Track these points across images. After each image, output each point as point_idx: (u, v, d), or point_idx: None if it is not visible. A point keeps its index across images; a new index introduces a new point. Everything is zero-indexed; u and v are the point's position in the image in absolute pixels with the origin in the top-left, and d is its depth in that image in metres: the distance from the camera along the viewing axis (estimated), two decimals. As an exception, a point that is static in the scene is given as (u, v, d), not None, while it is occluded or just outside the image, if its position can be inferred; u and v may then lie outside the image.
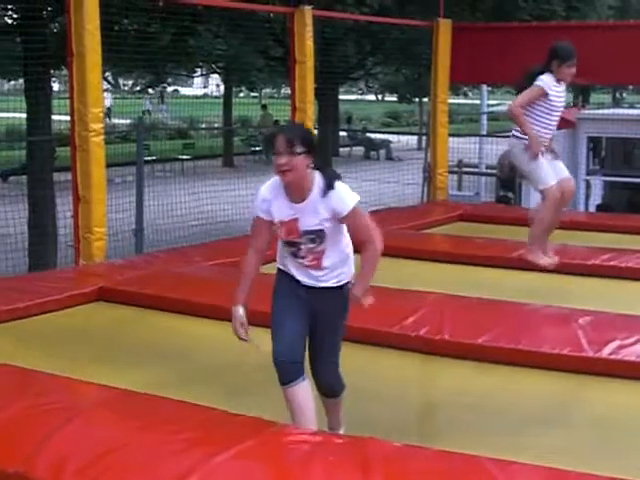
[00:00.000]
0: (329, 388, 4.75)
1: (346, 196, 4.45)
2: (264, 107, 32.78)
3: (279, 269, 4.71)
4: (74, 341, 6.25)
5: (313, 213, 4.45)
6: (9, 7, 14.04)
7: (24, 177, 14.78)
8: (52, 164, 14.04)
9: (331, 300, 4.61)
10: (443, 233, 10.68)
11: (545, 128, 7.73)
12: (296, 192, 4.46)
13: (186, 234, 13.10)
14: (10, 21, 14.42)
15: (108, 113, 32.54)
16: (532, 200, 13.56)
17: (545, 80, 7.57)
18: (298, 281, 4.61)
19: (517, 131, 7.78)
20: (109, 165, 9.40)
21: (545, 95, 7.58)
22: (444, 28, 12.61)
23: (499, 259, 8.68)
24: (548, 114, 7.68)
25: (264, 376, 5.37)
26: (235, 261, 8.31)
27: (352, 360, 5.89)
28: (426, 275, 8.31)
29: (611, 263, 8.37)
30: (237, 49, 16.81)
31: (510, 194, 15.33)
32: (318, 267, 4.57)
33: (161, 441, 4.21)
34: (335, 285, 4.60)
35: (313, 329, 4.61)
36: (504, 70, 12.75)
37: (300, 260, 4.58)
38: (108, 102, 35.83)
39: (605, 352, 5.71)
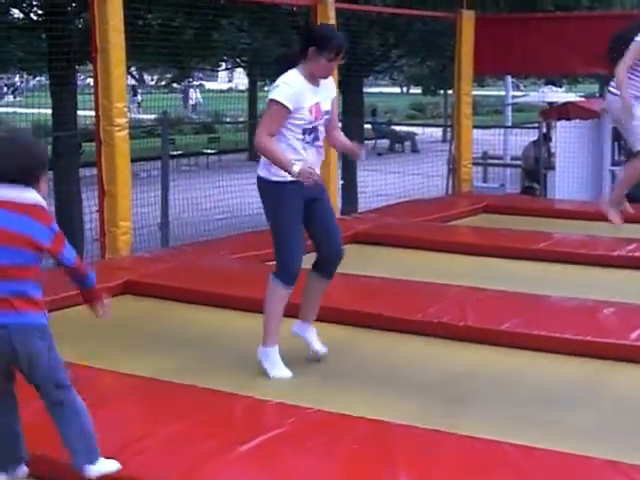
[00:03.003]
0: (340, 256, 5.50)
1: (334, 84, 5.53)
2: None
3: (276, 182, 5.24)
4: (100, 333, 6.28)
5: (326, 96, 5.32)
6: (34, 4, 14.12)
7: (50, 172, 14.87)
8: (78, 159, 14.12)
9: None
10: (468, 225, 10.67)
11: None
12: (316, 80, 5.28)
13: (211, 228, 13.13)
14: (35, 17, 14.49)
15: (138, 106, 32.79)
16: (557, 191, 13.54)
17: None
18: (297, 183, 5.12)
19: (613, 87, 7.89)
20: (135, 160, 9.45)
21: None
22: (467, 19, 12.58)
23: (524, 251, 8.66)
24: None
25: (286, 363, 5.43)
26: (260, 254, 8.37)
27: (376, 346, 5.96)
28: (451, 267, 8.30)
29: (637, 254, 8.34)
30: (261, 43, 16.81)
31: (535, 185, 15.27)
32: (322, 150, 5.37)
33: (187, 428, 4.27)
34: None
35: (313, 214, 5.34)
36: (527, 61, 12.75)
37: (317, 143, 5.30)
38: (139, 97, 36.15)
39: (629, 338, 5.71)
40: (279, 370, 5.37)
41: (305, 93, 5.22)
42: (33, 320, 3.68)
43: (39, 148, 3.87)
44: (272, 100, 5.19)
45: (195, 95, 41.86)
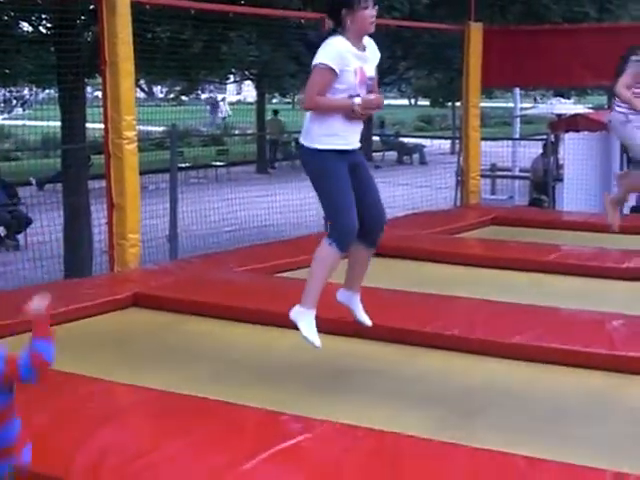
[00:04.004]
0: (383, 224, 5.56)
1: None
2: (275, 113, 32.75)
3: (320, 150, 5.26)
4: (109, 345, 6.30)
5: (370, 61, 5.31)
6: (43, 17, 14.16)
7: (59, 185, 14.89)
8: (87, 172, 14.13)
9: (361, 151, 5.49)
10: (477, 237, 10.66)
11: None
12: (361, 44, 5.26)
13: (220, 240, 13.15)
14: (44, 31, 14.53)
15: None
16: (566, 203, 13.53)
17: None
18: (344, 151, 5.23)
19: (618, 105, 7.97)
20: (143, 172, 9.46)
21: None
22: (475, 32, 12.58)
23: (534, 263, 8.64)
24: None
25: (296, 375, 5.43)
26: (268, 266, 8.38)
27: (388, 358, 5.94)
28: (460, 279, 8.29)
29: (646, 266, 8.33)
30: (269, 55, 16.85)
31: (544, 197, 15.27)
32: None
33: (199, 441, 4.25)
34: None
35: (356, 181, 5.33)
36: (536, 73, 12.74)
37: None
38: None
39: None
40: (312, 334, 5.35)
41: (349, 55, 5.19)
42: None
43: None
44: (316, 64, 5.18)
45: (225, 108, 42.10)
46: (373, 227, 5.50)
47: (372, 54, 5.39)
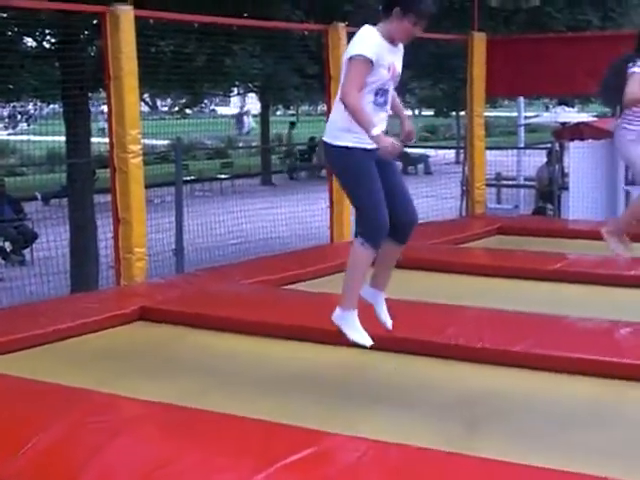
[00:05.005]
0: (414, 220, 5.48)
1: None
2: (292, 124, 32.86)
3: (347, 147, 5.17)
4: (117, 360, 6.29)
5: (400, 56, 5.26)
6: (47, 32, 14.21)
7: (65, 200, 14.92)
8: (92, 186, 14.16)
9: None
10: (483, 247, 10.65)
11: None
12: (393, 41, 5.20)
13: (226, 253, 13.15)
14: (48, 46, 14.58)
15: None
16: (571, 211, 13.51)
17: None
18: (371, 150, 5.10)
19: (627, 122, 7.75)
20: (148, 186, 9.48)
21: None
22: (479, 41, 12.60)
23: (540, 271, 8.63)
24: None
25: (302, 388, 5.42)
26: (274, 278, 8.37)
27: (391, 368, 5.93)
28: (466, 289, 8.28)
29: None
30: (273, 68, 16.87)
31: (549, 205, 15.25)
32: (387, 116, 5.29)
33: (207, 455, 4.25)
34: None
35: (385, 178, 5.23)
36: (540, 82, 12.74)
37: (387, 107, 5.25)
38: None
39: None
40: (360, 335, 5.30)
41: (384, 49, 5.13)
42: None
43: None
44: (353, 56, 5.07)
45: (248, 121, 42.14)
46: (404, 223, 5.41)
47: (401, 51, 5.32)
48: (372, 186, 5.18)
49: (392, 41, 5.19)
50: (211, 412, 4.88)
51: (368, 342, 5.30)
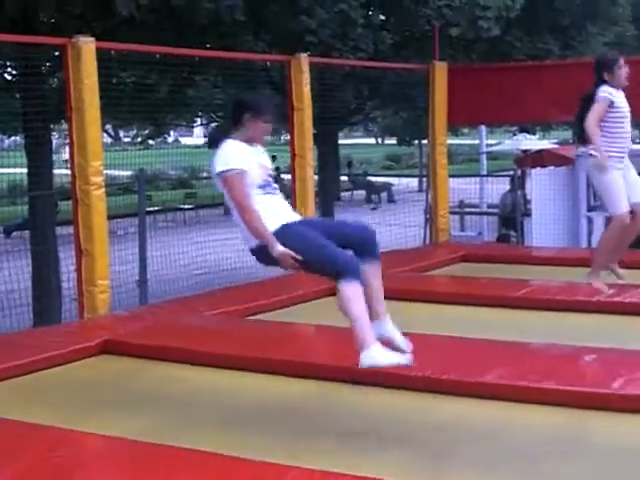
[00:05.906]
0: (371, 233, 5.50)
1: None
2: (274, 157, 32.90)
3: (276, 230, 5.31)
4: (79, 394, 6.23)
5: (262, 152, 5.63)
6: (8, 64, 14.17)
7: (27, 232, 14.81)
8: (54, 218, 14.08)
9: None
10: (447, 274, 10.67)
11: (618, 139, 7.88)
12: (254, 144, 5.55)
13: (190, 283, 13.09)
14: (9, 77, 14.53)
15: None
16: (534, 237, 13.59)
17: (606, 89, 7.82)
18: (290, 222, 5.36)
19: (594, 149, 7.83)
20: (111, 217, 9.43)
21: (611, 104, 7.79)
22: (440, 71, 12.69)
23: (504, 298, 8.66)
24: (618, 123, 7.85)
25: (268, 421, 5.38)
26: (240, 309, 8.34)
27: (352, 400, 5.90)
28: (430, 317, 8.28)
29: (615, 299, 8.35)
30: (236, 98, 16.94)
31: (512, 232, 15.34)
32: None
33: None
34: None
35: (323, 229, 5.40)
36: (501, 110, 12.84)
37: (274, 186, 5.50)
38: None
39: (612, 387, 5.68)
40: (393, 358, 5.23)
41: (251, 154, 5.47)
42: None
43: None
44: (225, 172, 5.36)
45: None
46: (363, 239, 5.46)
47: (261, 148, 5.66)
48: (315, 239, 5.28)
49: (252, 143, 5.54)
50: (175, 447, 4.81)
51: (405, 361, 5.25)
